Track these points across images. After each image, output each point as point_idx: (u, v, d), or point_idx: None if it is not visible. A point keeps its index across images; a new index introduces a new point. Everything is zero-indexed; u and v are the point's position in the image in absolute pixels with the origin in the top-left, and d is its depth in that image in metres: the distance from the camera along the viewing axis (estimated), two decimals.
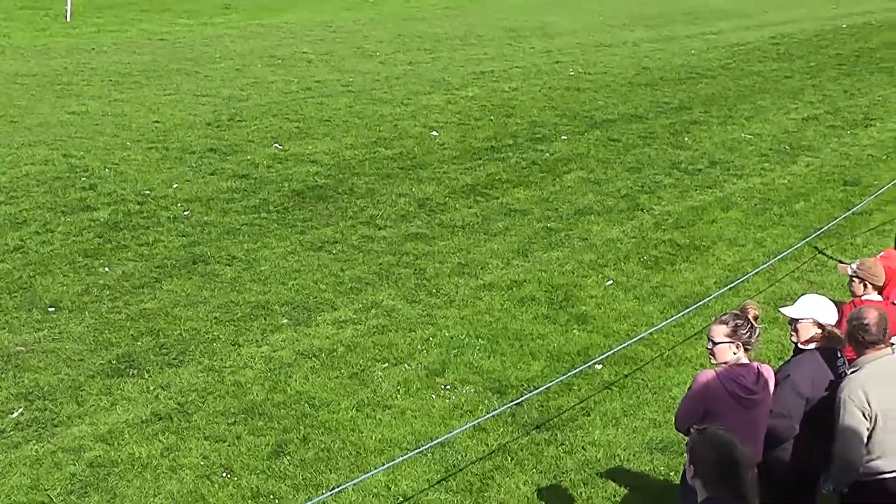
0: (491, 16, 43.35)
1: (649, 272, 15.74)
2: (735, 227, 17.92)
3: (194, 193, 18.27)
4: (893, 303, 9.89)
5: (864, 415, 7.74)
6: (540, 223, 17.58)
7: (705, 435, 6.40)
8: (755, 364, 7.94)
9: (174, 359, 12.37)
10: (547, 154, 21.70)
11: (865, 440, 7.81)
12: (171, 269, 14.98)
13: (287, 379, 12.01)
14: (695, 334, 13.27)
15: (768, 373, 7.99)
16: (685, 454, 6.55)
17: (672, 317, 13.44)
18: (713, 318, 8.52)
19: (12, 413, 11.09)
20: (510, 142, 22.61)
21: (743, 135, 24.24)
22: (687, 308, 13.60)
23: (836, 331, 8.32)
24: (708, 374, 7.86)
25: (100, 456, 10.37)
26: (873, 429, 7.80)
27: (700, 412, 7.82)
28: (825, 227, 17.02)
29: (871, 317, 7.91)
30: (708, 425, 6.80)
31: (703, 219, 18.23)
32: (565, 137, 23.17)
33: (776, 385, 8.07)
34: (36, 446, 10.50)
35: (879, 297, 9.73)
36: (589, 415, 11.48)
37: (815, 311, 8.33)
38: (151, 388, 11.71)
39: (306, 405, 11.46)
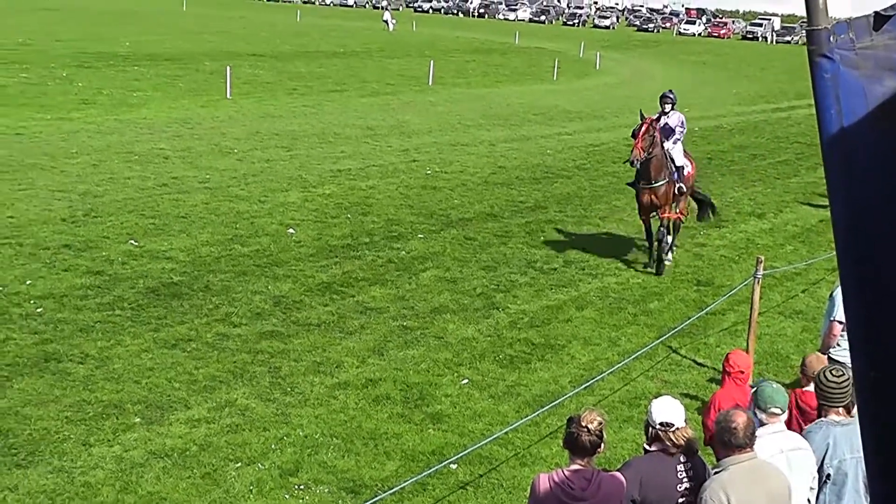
0: (349, 114, 43.58)
1: (505, 371, 15.88)
2: (590, 326, 18.17)
3: (48, 290, 18.04)
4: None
5: None
6: (396, 321, 17.67)
7: None
8: (591, 470, 8.06)
9: (23, 459, 12.15)
10: (403, 252, 21.84)
11: None
12: (22, 368, 14.74)
13: (138, 479, 11.87)
14: (550, 434, 13.40)
15: (610, 481, 8.10)
16: None
17: (527, 416, 13.50)
18: (567, 418, 8.59)
19: None
20: (366, 240, 22.72)
21: (598, 234, 24.62)
22: (542, 407, 13.67)
23: (680, 433, 8.42)
24: (542, 478, 8.05)
25: None
26: None
27: None
28: (679, 327, 17.27)
29: (740, 421, 8.01)
30: None
31: (559, 318, 18.46)
32: (422, 236, 23.34)
33: None
34: None
35: None
36: None
37: (652, 413, 8.46)
38: None
39: None
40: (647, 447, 8.50)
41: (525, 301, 19.29)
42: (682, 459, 8.37)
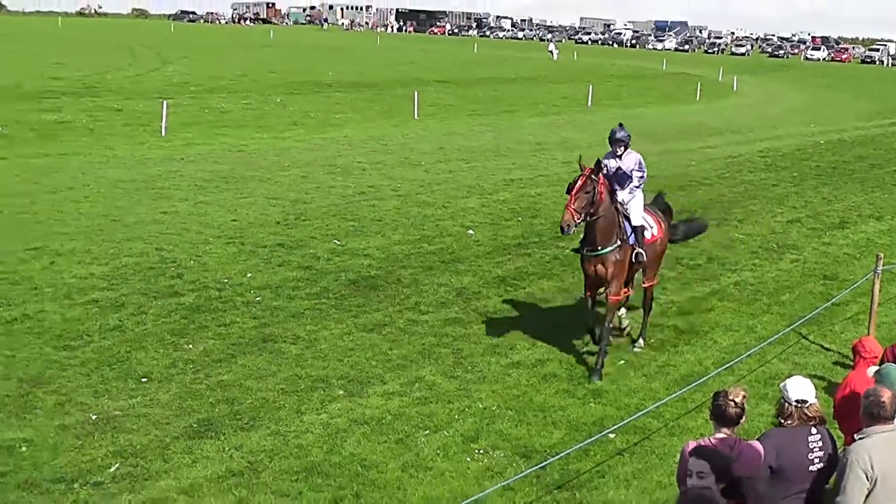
0: (519, 132, 43.54)
1: (656, 353, 15.67)
2: (730, 315, 17.83)
3: (265, 282, 18.35)
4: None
5: (866, 476, 7.63)
6: (561, 310, 17.55)
7: (686, 494, 6.50)
8: (734, 438, 7.93)
9: (246, 424, 12.36)
10: (567, 250, 21.63)
11: (864, 499, 7.72)
12: (244, 347, 15.02)
13: (342, 443, 11.97)
14: (695, 408, 13.16)
15: (750, 449, 7.93)
16: None
17: (675, 392, 13.30)
18: (710, 395, 8.46)
19: (110, 468, 11.11)
20: (536, 239, 22.64)
21: (736, 235, 24.18)
22: (688, 385, 13.44)
23: (813, 408, 8.22)
24: (691, 445, 7.88)
25: None
26: (872, 489, 7.69)
27: (685, 475, 7.87)
28: (808, 316, 16.84)
29: (887, 396, 7.81)
30: (692, 486, 6.82)
31: (702, 307, 18.15)
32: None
33: None
34: (129, 497, 10.50)
35: None
36: (603, 477, 11.39)
37: (787, 390, 8.25)
38: (227, 448, 11.70)
39: (359, 466, 11.42)
40: (782, 421, 8.30)
41: (673, 293, 19.01)
42: (812, 432, 8.16)
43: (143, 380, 13.62)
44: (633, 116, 52.76)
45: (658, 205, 16.61)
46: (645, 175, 15.38)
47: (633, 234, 14.97)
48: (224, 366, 14.26)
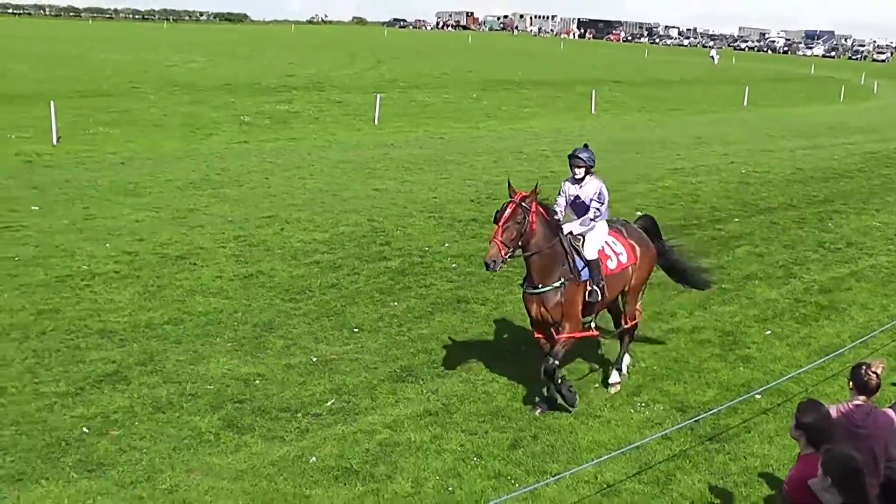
0: (683, 127, 42.69)
1: (799, 326, 15.21)
2: (866, 294, 17.18)
3: (460, 251, 18.46)
4: None
5: None
6: (716, 284, 17.17)
7: (831, 453, 6.32)
8: (869, 405, 7.66)
9: (442, 372, 12.49)
10: (723, 232, 21.22)
11: None
12: (441, 306, 15.16)
13: (523, 391, 11.99)
14: (832, 376, 12.75)
15: (884, 416, 7.66)
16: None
17: (815, 361, 12.94)
18: (848, 365, 8.21)
19: (327, 402, 11.41)
20: (695, 222, 22.18)
21: (874, 223, 23.26)
22: (827, 355, 13.10)
23: None
24: (831, 408, 7.66)
25: (386, 438, 10.56)
26: None
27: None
28: None
29: None
30: (834, 446, 6.64)
31: (841, 287, 17.53)
32: (737, 220, 22.59)
33: None
34: (342, 427, 10.76)
35: None
36: (749, 432, 11.15)
37: None
38: (424, 392, 11.86)
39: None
40: None
41: (816, 272, 18.40)
42: None
43: (356, 330, 13.89)
44: (784, 115, 51.34)
45: (643, 223, 13.29)
46: (603, 207, 11.86)
47: (585, 269, 11.36)
48: (423, 321, 14.43)
